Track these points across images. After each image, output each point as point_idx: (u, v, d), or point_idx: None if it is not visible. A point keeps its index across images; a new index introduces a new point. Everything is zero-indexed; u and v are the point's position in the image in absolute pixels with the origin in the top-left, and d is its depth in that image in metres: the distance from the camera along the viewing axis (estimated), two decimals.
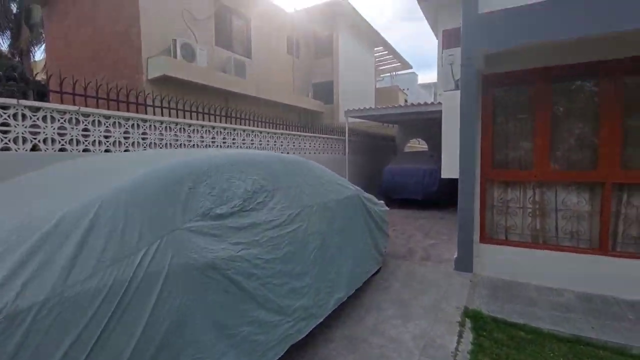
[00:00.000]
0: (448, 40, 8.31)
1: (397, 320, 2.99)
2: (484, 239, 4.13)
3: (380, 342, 2.67)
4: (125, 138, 4.26)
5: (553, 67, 3.72)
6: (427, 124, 10.10)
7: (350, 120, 9.50)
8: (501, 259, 3.97)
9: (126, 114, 4.28)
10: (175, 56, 7.26)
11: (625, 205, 3.54)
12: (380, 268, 4.07)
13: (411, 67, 18.21)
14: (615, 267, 3.47)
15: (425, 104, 7.96)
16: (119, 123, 4.20)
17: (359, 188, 3.67)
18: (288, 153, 7.17)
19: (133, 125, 4.35)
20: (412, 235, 5.88)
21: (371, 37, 14.51)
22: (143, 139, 4.44)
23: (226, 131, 5.82)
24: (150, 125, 4.54)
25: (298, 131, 7.70)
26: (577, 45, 3.45)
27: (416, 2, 8.77)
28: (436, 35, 9.54)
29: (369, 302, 3.34)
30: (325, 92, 12.78)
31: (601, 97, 3.59)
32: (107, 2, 7.72)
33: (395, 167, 8.47)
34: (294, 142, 7.35)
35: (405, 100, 18.54)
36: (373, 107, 10.93)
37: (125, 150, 4.22)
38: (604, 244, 3.58)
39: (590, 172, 3.63)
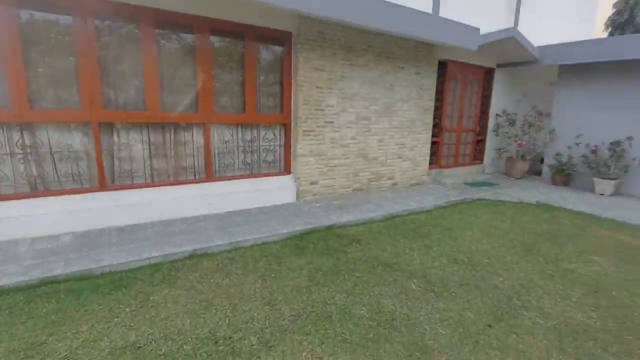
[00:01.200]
0: None
1: None
2: None
3: None
4: None
5: None
6: None
7: None
8: None
9: None
10: None
11: (118, 144, 3.87)
12: None
13: None
14: (112, 199, 3.80)
15: None
16: None
17: None
18: None
19: None
20: None
21: None
22: None
23: None
24: None
25: None
26: None
27: None
28: None
29: None
30: None
31: (76, 36, 3.50)
32: None
33: None
34: None
35: None
36: None
37: None
38: (102, 180, 3.81)
39: (77, 111, 3.59)
